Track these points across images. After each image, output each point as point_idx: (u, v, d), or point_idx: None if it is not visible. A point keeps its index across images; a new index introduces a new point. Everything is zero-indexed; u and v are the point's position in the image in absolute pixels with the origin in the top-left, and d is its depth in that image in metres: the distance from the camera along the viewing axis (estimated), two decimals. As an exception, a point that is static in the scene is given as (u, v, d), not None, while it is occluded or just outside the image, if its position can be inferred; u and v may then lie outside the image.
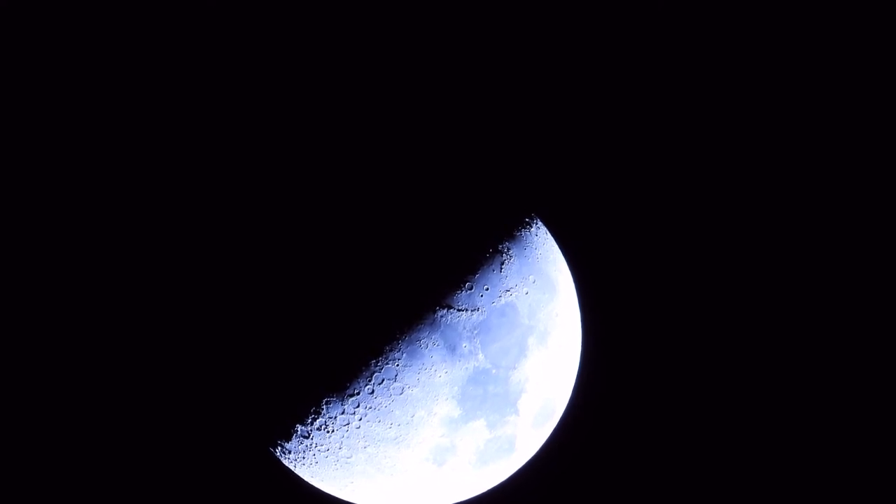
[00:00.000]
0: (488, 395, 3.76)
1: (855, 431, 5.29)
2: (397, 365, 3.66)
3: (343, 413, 3.74)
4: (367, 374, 3.66)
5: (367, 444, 3.78)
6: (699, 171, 5.28)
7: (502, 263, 3.82)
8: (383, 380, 3.68)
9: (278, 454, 4.01)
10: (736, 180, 5.33)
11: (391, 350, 3.65)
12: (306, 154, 3.92)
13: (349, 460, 3.85)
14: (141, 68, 4.64)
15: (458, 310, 3.70)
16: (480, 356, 3.72)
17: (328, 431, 3.80)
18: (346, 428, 3.78)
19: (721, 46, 5.22)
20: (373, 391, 3.69)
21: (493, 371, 3.75)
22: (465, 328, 3.71)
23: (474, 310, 3.72)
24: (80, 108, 4.58)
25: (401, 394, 3.70)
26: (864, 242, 5.31)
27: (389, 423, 3.73)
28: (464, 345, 3.69)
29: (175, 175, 4.48)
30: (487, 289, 3.76)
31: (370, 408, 3.72)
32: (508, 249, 3.86)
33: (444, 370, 3.68)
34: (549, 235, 4.08)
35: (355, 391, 3.69)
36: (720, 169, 5.30)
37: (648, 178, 5.15)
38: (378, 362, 3.65)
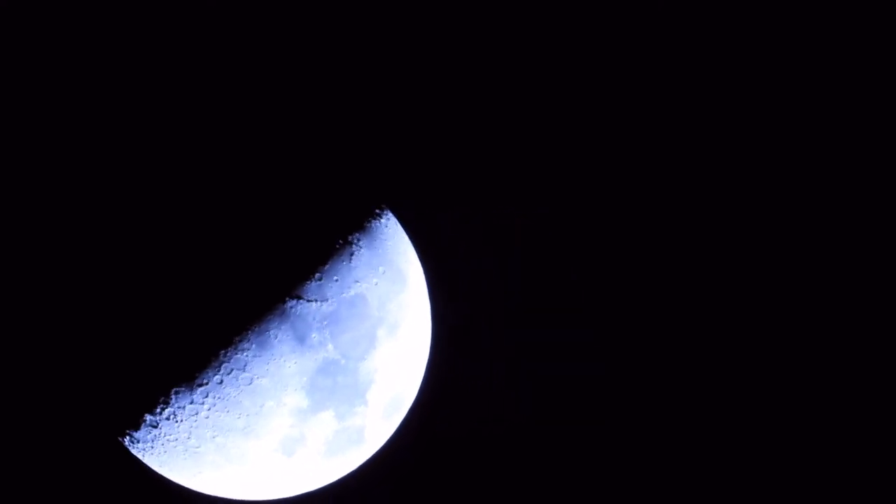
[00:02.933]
0: (337, 386, 3.87)
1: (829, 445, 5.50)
2: (246, 355, 3.75)
3: (192, 403, 3.82)
4: (217, 364, 3.75)
5: (215, 433, 3.86)
6: (555, 161, 5.42)
7: (352, 254, 3.92)
8: (232, 370, 3.76)
9: (127, 443, 4.05)
10: (592, 154, 5.47)
11: (240, 340, 3.74)
12: (150, 146, 3.92)
13: (198, 450, 3.93)
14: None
15: (308, 300, 3.79)
16: (330, 347, 3.83)
17: (177, 421, 3.88)
18: (194, 418, 3.85)
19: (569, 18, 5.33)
20: (222, 381, 3.77)
21: (343, 362, 3.86)
22: (314, 319, 3.81)
23: (324, 300, 3.82)
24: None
25: (250, 384, 3.78)
26: (862, 250, 5.48)
27: (238, 413, 3.82)
28: (313, 335, 3.80)
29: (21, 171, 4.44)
30: (337, 280, 3.86)
31: (219, 398, 3.80)
32: (358, 240, 3.96)
33: (294, 361, 3.79)
34: (400, 227, 4.18)
35: (204, 381, 3.77)
36: (567, 150, 5.44)
37: (499, 170, 5.28)
38: (227, 352, 3.74)
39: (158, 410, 3.85)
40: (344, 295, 3.87)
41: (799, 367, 5.47)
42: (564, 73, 5.39)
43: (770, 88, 5.43)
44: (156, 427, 3.91)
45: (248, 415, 3.82)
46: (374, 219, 4.08)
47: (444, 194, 5.11)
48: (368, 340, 3.92)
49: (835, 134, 5.42)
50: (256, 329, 3.72)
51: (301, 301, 3.77)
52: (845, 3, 5.31)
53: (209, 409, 3.81)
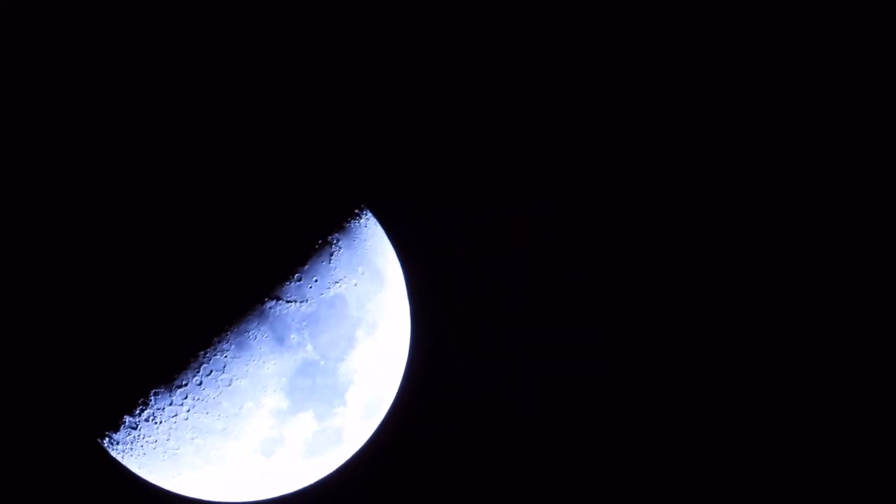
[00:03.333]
0: (316, 387, 3.88)
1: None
2: (226, 356, 3.76)
3: (171, 404, 3.83)
4: (196, 365, 3.76)
5: (195, 435, 3.87)
6: (555, 161, 5.43)
7: (331, 255, 3.93)
8: (211, 371, 3.77)
9: (106, 445, 4.05)
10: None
11: (220, 341, 3.75)
12: (125, 148, 3.93)
13: (177, 452, 3.94)
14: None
15: (287, 301, 3.80)
16: (309, 348, 3.84)
17: (156, 423, 3.88)
18: (174, 419, 3.86)
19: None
20: (201, 382, 3.77)
21: (322, 363, 3.87)
22: (293, 320, 3.82)
23: (303, 301, 3.84)
24: None
25: (229, 385, 3.79)
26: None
27: (217, 414, 3.83)
28: (292, 336, 3.81)
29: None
30: (316, 280, 3.87)
31: (198, 399, 3.81)
32: (338, 241, 3.97)
33: (273, 361, 3.80)
34: (379, 227, 4.20)
35: (183, 382, 3.78)
36: (529, 155, 5.45)
37: (476, 169, 5.29)
38: (206, 353, 3.74)
39: (138, 412, 3.85)
40: (323, 295, 3.88)
41: (799, 367, 5.47)
42: (560, 70, 5.40)
43: (769, 88, 5.44)
44: (135, 429, 3.91)
45: (227, 416, 3.82)
46: (354, 219, 4.10)
47: (422, 193, 5.12)
48: (347, 341, 3.93)
49: (835, 134, 5.43)
50: (236, 330, 3.74)
51: (280, 302, 3.79)
52: (845, 3, 5.32)
53: (188, 411, 3.82)
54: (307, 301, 3.84)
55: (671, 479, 5.48)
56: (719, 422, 5.49)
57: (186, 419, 3.84)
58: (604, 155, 5.49)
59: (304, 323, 3.83)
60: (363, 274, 4.03)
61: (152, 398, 3.80)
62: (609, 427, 5.51)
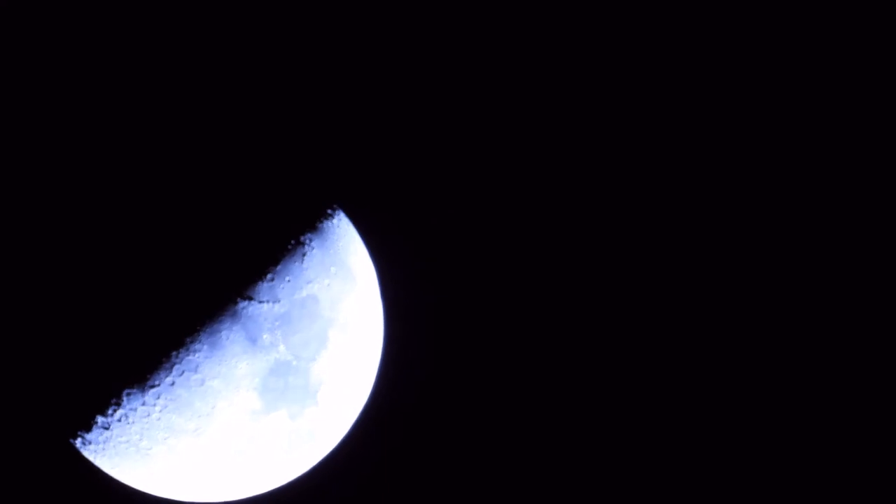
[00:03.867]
0: (289, 387, 3.90)
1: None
2: (198, 356, 3.77)
3: (143, 404, 3.84)
4: (168, 365, 3.77)
5: (167, 435, 3.89)
6: (488, 163, 5.42)
7: (304, 255, 3.95)
8: (184, 371, 3.79)
9: (78, 445, 4.06)
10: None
11: (192, 342, 3.75)
12: (98, 144, 3.93)
13: (150, 452, 3.96)
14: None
15: (260, 301, 3.81)
16: (281, 348, 3.85)
17: (128, 422, 3.89)
18: (146, 419, 3.87)
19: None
20: (173, 382, 3.79)
21: (294, 363, 3.89)
22: (266, 320, 3.84)
23: (276, 301, 3.85)
24: None
25: (201, 385, 3.80)
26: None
27: (190, 414, 3.84)
28: (265, 336, 3.82)
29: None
30: (289, 280, 3.89)
31: (171, 399, 3.83)
32: (310, 241, 3.98)
33: (245, 362, 3.81)
34: (352, 226, 4.21)
35: (156, 382, 3.79)
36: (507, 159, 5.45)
37: (448, 167, 5.29)
38: (179, 354, 3.74)
39: (110, 412, 3.86)
40: (296, 296, 3.90)
41: (799, 368, 5.48)
42: (546, 64, 5.40)
43: (768, 89, 5.45)
44: (107, 429, 3.92)
45: (199, 416, 3.83)
46: (326, 219, 4.11)
47: (409, 194, 5.12)
48: (319, 341, 3.95)
49: (833, 135, 5.44)
50: (208, 330, 3.75)
51: (253, 302, 3.80)
52: (845, 2, 5.32)
53: (161, 411, 3.83)
54: (280, 301, 3.86)
55: (670, 478, 5.49)
56: (718, 422, 5.51)
57: (159, 419, 3.85)
58: (602, 155, 5.49)
59: (277, 323, 3.85)
60: (335, 274, 4.05)
61: (125, 398, 3.81)
62: (609, 427, 5.52)
